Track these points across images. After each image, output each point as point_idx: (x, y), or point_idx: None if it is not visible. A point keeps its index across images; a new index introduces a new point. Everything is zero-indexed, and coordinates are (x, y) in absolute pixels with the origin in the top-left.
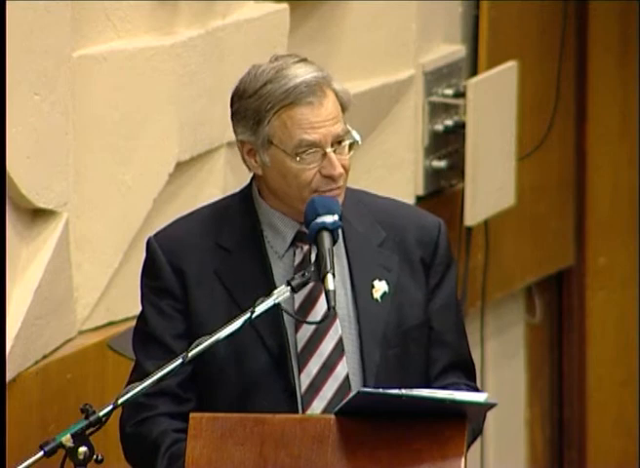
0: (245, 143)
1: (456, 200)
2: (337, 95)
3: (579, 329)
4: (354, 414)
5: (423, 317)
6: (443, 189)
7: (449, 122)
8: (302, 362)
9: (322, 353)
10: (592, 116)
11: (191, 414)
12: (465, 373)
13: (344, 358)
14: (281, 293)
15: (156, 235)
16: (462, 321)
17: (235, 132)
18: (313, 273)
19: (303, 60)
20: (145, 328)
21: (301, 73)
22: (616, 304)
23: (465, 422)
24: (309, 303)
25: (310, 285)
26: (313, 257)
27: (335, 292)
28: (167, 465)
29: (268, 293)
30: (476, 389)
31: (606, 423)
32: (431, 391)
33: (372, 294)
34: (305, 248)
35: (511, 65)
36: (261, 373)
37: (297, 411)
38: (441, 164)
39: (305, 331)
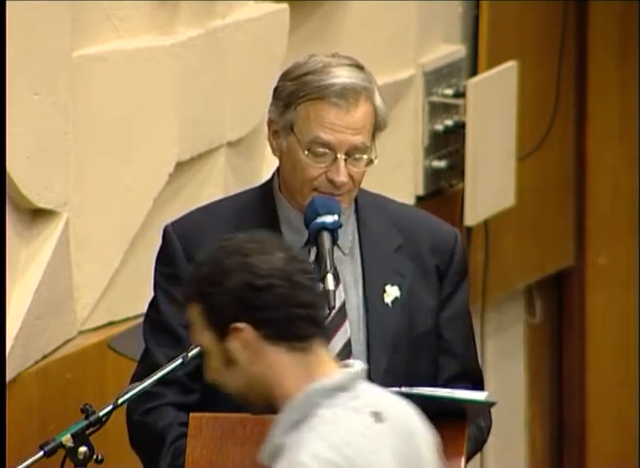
0: (272, 123)
1: (456, 200)
2: (375, 110)
3: (579, 329)
4: None
5: (433, 324)
6: (443, 189)
7: (449, 122)
8: None
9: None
10: (592, 116)
11: (191, 414)
12: (472, 384)
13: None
14: None
15: (173, 223)
16: (473, 331)
17: (269, 109)
18: None
19: (357, 66)
20: (156, 315)
21: (344, 75)
22: (616, 304)
23: (466, 422)
24: None
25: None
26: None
27: (334, 291)
28: (171, 460)
29: None
30: None
31: (606, 423)
32: (431, 389)
33: (383, 299)
34: None
35: (511, 65)
36: None
37: None
38: (441, 164)
39: None
